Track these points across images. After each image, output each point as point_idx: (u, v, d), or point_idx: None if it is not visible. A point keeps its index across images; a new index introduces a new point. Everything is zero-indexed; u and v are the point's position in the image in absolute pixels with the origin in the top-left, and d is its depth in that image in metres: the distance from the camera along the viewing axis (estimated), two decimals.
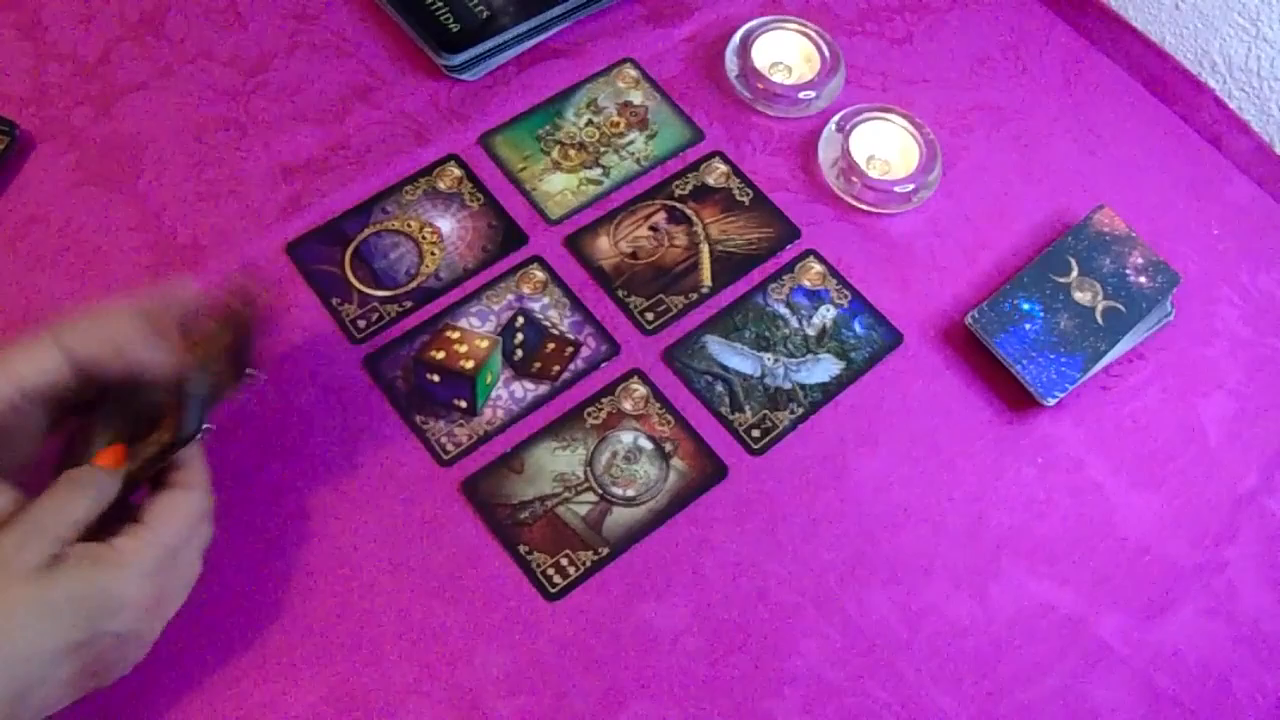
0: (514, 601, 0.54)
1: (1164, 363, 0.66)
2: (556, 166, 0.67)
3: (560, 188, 0.66)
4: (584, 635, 0.54)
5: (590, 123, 0.68)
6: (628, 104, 0.69)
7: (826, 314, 0.63)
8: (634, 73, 0.71)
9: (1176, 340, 0.66)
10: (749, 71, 0.70)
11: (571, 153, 0.67)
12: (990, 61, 0.76)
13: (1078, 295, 0.64)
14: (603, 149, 0.67)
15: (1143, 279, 0.65)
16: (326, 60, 0.69)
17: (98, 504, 0.44)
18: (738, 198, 0.67)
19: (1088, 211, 0.67)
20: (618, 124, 0.68)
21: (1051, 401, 0.61)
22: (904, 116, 0.69)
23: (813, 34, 0.72)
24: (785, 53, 0.73)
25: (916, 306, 0.65)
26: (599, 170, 0.67)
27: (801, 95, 0.70)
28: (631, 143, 0.68)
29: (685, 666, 0.54)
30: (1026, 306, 0.63)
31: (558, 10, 0.70)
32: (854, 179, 0.67)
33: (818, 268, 0.65)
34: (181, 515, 0.45)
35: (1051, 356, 0.62)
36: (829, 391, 0.61)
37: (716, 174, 0.67)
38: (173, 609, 0.46)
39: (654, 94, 0.70)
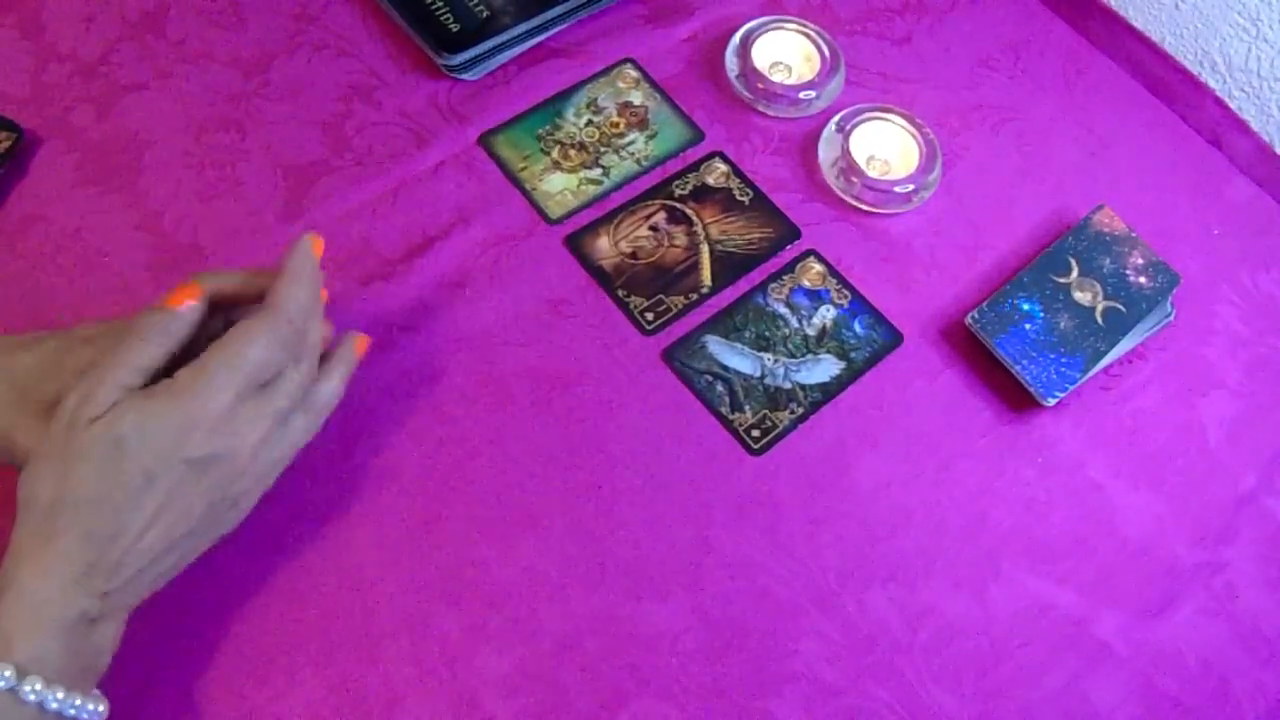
0: (513, 606, 0.54)
1: (1164, 363, 0.66)
2: (556, 166, 0.67)
3: (560, 188, 0.66)
4: (584, 635, 0.54)
5: (590, 123, 0.68)
6: (628, 104, 0.69)
7: (826, 314, 0.63)
8: (634, 73, 0.71)
9: (1176, 340, 0.66)
10: (749, 71, 0.70)
11: (571, 153, 0.67)
12: (990, 61, 0.76)
13: (1078, 295, 0.64)
14: (603, 149, 0.68)
15: (1143, 279, 0.65)
16: (326, 60, 0.69)
17: (162, 346, 0.46)
18: (738, 198, 0.67)
19: (1088, 211, 0.67)
20: (618, 124, 0.68)
21: (1051, 401, 0.61)
22: (904, 116, 0.70)
23: (813, 34, 0.72)
24: (785, 53, 0.73)
25: (916, 306, 0.65)
26: (599, 170, 0.67)
27: (801, 95, 0.70)
28: (632, 143, 0.68)
29: (685, 666, 0.54)
30: (1026, 306, 0.63)
31: (558, 10, 0.70)
32: (854, 179, 0.67)
33: (818, 268, 0.65)
34: (259, 345, 0.45)
35: (1051, 356, 0.62)
36: (829, 391, 0.61)
37: (716, 174, 0.67)
38: (271, 450, 0.47)
39: (654, 94, 0.70)
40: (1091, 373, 0.62)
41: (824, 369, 0.62)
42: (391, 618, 0.53)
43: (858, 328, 0.63)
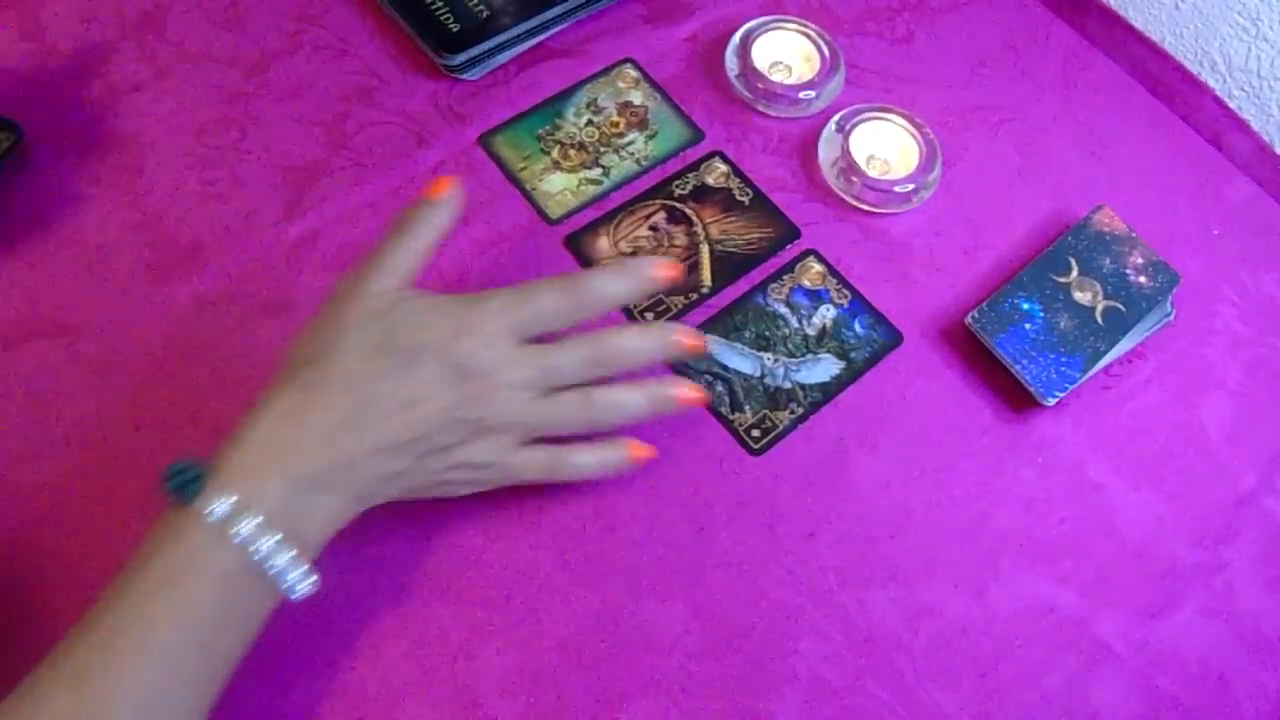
0: (515, 601, 0.54)
1: (1164, 363, 0.66)
2: (556, 166, 0.67)
3: (560, 188, 0.66)
4: (584, 635, 0.54)
5: (590, 123, 0.68)
6: (628, 104, 0.69)
7: (826, 314, 0.63)
8: (634, 73, 0.71)
9: (1176, 340, 0.66)
10: (749, 71, 0.70)
11: (571, 153, 0.67)
12: (990, 61, 0.76)
13: (1078, 295, 0.64)
14: (602, 149, 0.68)
15: (1143, 279, 0.65)
16: (326, 60, 0.69)
17: (427, 237, 0.49)
18: (738, 198, 0.67)
19: (1088, 211, 0.67)
20: (618, 124, 0.68)
21: (1051, 401, 0.61)
22: (904, 116, 0.70)
23: (813, 34, 0.72)
24: (785, 53, 0.73)
25: (916, 306, 0.65)
26: (599, 170, 0.67)
27: (801, 95, 0.70)
28: (631, 143, 0.68)
29: (685, 666, 0.54)
30: (1026, 306, 0.63)
31: (558, 10, 0.70)
32: (854, 179, 0.67)
33: (817, 267, 0.65)
34: (545, 293, 0.48)
35: (1051, 356, 0.62)
36: (829, 391, 0.61)
37: (716, 174, 0.67)
38: (526, 408, 0.48)
39: (654, 94, 0.70)
40: (1091, 372, 0.62)
41: (824, 369, 0.62)
42: (391, 618, 0.53)
43: (858, 328, 0.63)
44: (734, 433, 0.59)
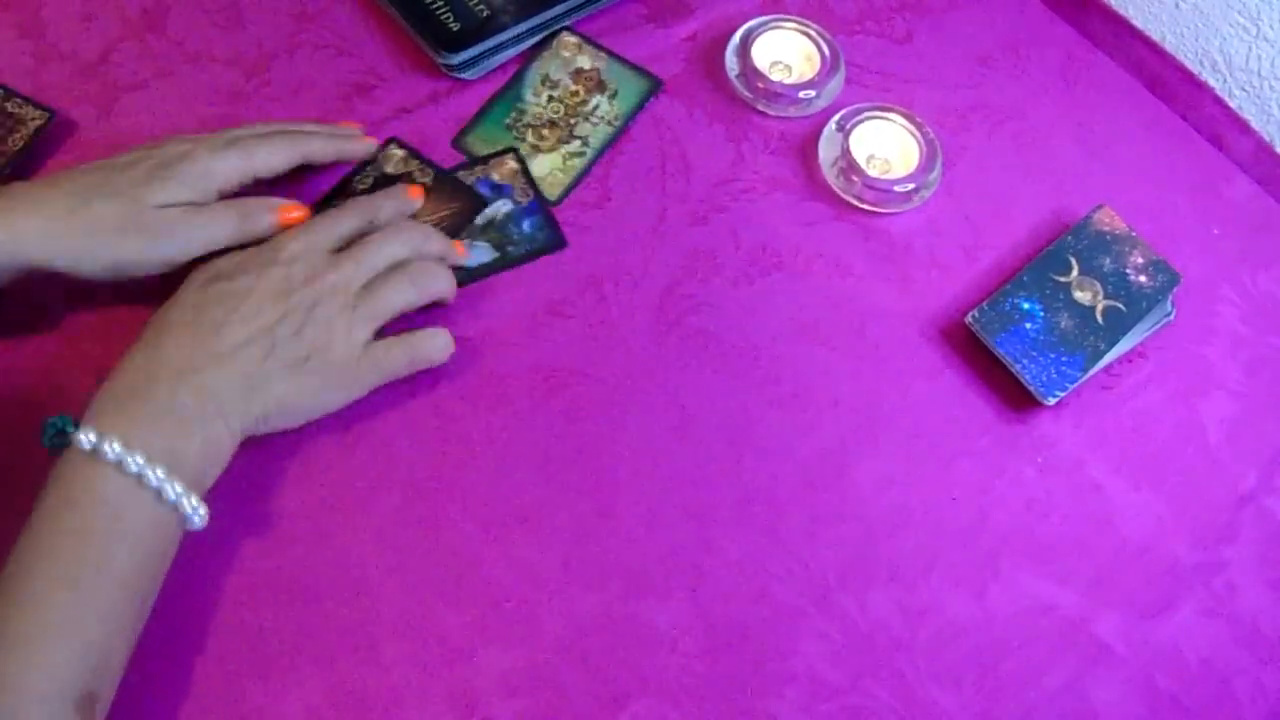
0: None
1: (1164, 363, 0.66)
2: (537, 149, 0.67)
3: (548, 169, 0.66)
4: (584, 635, 0.54)
5: (551, 99, 0.68)
6: (579, 71, 0.69)
7: (502, 207, 0.64)
8: (573, 39, 0.70)
9: (1176, 340, 0.66)
10: (749, 71, 0.70)
11: (545, 132, 0.67)
12: (990, 61, 0.76)
13: (1078, 295, 0.64)
14: (573, 120, 0.68)
15: (1143, 278, 0.65)
16: (326, 60, 0.69)
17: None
18: (419, 179, 0.65)
19: (1088, 211, 0.67)
20: (577, 93, 0.69)
21: (1051, 401, 0.61)
22: (904, 116, 0.70)
23: (813, 33, 0.72)
24: (785, 52, 0.73)
25: (916, 306, 0.65)
26: (578, 143, 0.67)
27: (801, 95, 0.70)
28: (597, 107, 0.68)
29: (685, 666, 0.54)
30: (1026, 306, 0.63)
31: (558, 10, 0.70)
32: (854, 178, 0.67)
33: (512, 165, 0.65)
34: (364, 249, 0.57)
35: (1051, 356, 0.62)
36: (474, 275, 0.62)
37: (395, 161, 0.65)
38: (349, 271, 0.55)
39: (599, 54, 0.70)
40: (1091, 372, 0.62)
41: (476, 254, 0.63)
42: (391, 618, 0.53)
43: (525, 227, 0.64)
44: None
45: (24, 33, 0.67)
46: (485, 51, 0.69)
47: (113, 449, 0.45)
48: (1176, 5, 0.74)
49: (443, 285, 0.59)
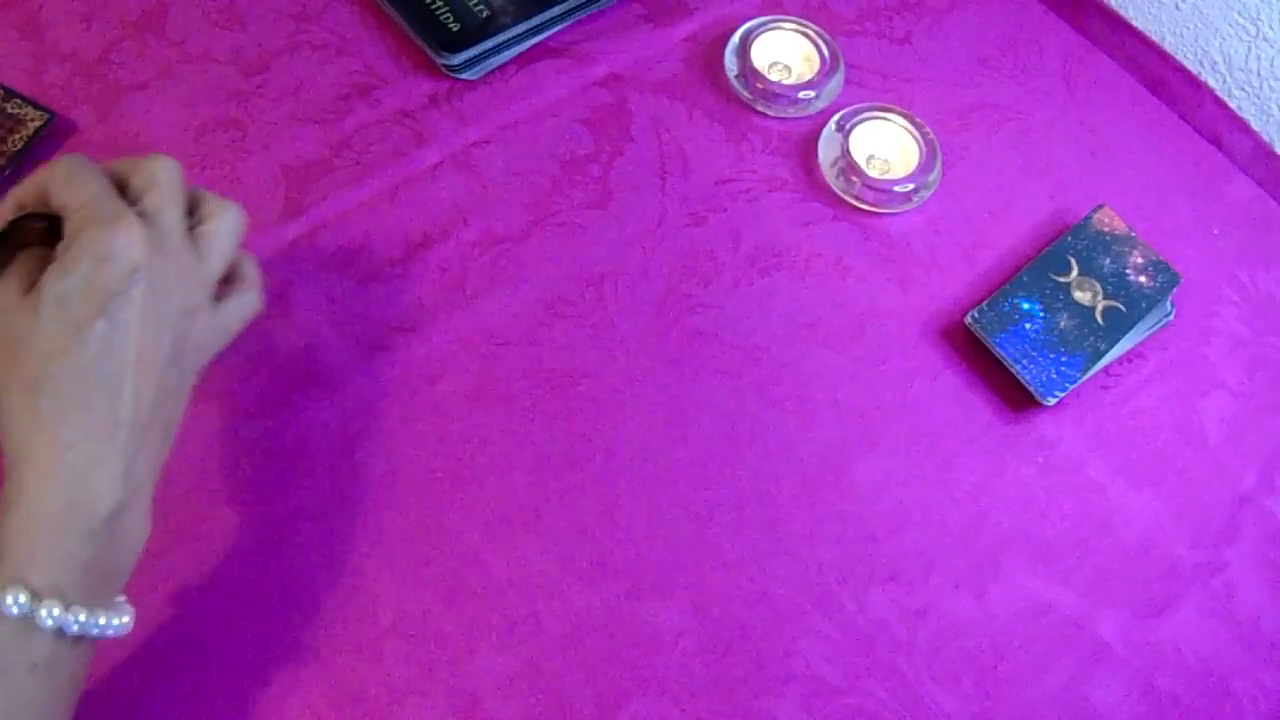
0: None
1: (1164, 363, 0.66)
2: None
3: None
4: (584, 635, 0.54)
5: None
6: None
7: None
8: None
9: (1176, 340, 0.66)
10: (749, 71, 0.70)
11: None
12: (990, 61, 0.76)
13: (1078, 295, 0.64)
14: None
15: (1143, 279, 0.65)
16: (326, 60, 0.69)
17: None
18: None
19: (1088, 211, 0.67)
20: None
21: (1051, 401, 0.61)
22: (904, 116, 0.70)
23: (812, 34, 0.72)
24: (785, 53, 0.73)
25: (916, 306, 0.65)
26: None
27: (801, 95, 0.70)
28: None
29: (685, 666, 0.54)
30: (1026, 306, 0.63)
31: (558, 10, 0.70)
32: (854, 179, 0.67)
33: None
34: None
35: (1051, 356, 0.62)
36: None
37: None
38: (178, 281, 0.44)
39: None
40: (1091, 372, 0.62)
41: None
42: (391, 618, 0.53)
43: None
44: None
45: (24, 33, 0.67)
46: (485, 51, 0.69)
47: (51, 615, 0.40)
48: (1176, 5, 0.74)
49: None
